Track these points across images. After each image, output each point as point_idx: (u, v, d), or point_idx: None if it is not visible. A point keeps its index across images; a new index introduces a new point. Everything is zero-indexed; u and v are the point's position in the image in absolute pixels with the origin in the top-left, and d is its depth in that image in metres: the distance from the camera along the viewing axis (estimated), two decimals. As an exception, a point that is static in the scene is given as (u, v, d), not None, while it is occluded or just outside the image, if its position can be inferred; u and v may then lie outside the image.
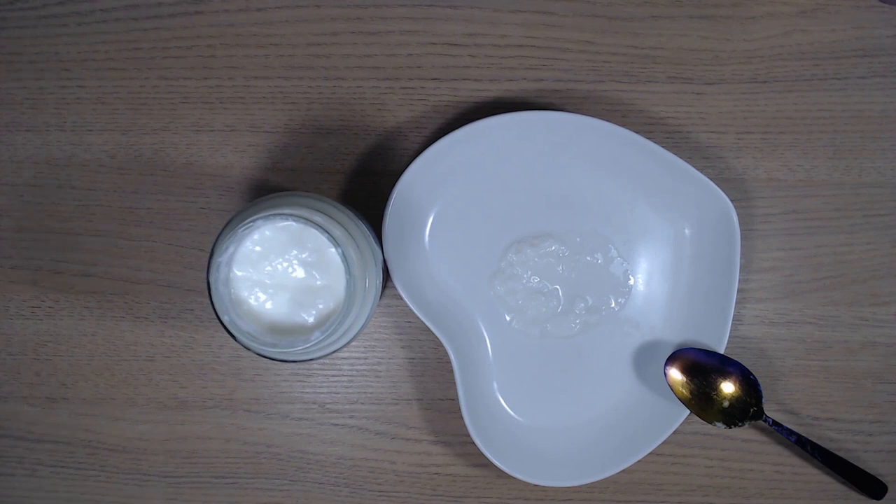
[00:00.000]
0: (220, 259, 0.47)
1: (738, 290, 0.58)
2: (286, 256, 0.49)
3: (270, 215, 0.46)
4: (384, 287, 0.56)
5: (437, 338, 0.59)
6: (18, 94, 0.60)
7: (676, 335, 0.59)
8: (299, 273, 0.49)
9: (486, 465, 0.60)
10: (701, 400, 0.57)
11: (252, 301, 0.49)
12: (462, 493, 0.61)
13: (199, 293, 0.60)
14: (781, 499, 0.60)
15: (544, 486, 0.59)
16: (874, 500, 0.59)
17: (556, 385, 0.60)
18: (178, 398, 0.61)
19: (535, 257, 0.59)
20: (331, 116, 0.60)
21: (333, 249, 0.47)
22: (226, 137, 0.60)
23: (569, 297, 0.59)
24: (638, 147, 0.56)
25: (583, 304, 0.59)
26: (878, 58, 0.59)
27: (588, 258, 0.59)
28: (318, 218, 0.47)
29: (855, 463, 0.59)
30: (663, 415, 0.58)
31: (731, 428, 0.58)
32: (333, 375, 0.61)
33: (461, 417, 0.57)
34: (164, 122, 0.60)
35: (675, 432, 0.58)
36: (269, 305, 0.49)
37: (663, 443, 0.57)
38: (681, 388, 0.57)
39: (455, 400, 0.59)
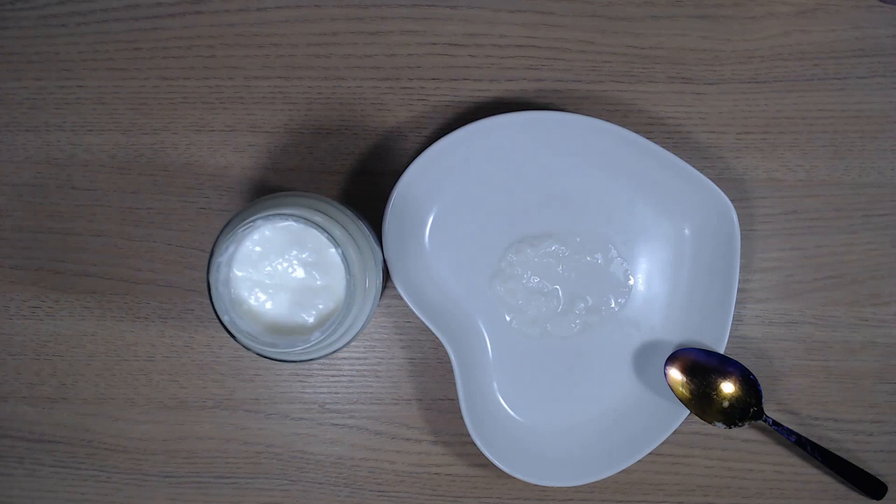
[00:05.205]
0: (220, 259, 0.47)
1: (738, 290, 0.58)
2: (286, 256, 0.49)
3: (270, 215, 0.46)
4: (384, 287, 0.56)
5: (437, 338, 0.59)
6: (18, 94, 0.60)
7: (676, 335, 0.59)
8: (299, 273, 0.49)
9: (486, 465, 0.60)
10: (701, 400, 0.57)
11: (252, 301, 0.49)
12: (462, 493, 0.61)
13: (199, 293, 0.60)
14: (781, 499, 0.60)
15: (544, 487, 0.59)
16: (874, 500, 0.59)
17: (556, 385, 0.60)
18: (178, 398, 0.61)
19: (535, 257, 0.59)
20: (331, 116, 0.60)
21: (333, 249, 0.47)
22: (226, 137, 0.60)
23: (569, 298, 0.59)
24: (638, 147, 0.56)
25: (583, 305, 0.59)
26: (878, 58, 0.59)
27: (588, 258, 0.59)
28: (318, 218, 0.47)
29: (855, 463, 0.59)
30: (663, 415, 0.58)
31: (731, 428, 0.58)
32: (333, 375, 0.61)
33: (461, 417, 0.57)
34: (164, 122, 0.60)
35: (675, 432, 0.58)
36: (269, 305, 0.49)
37: (663, 443, 0.57)
38: (681, 388, 0.57)
39: (455, 400, 0.59)
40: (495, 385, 0.60)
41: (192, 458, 0.61)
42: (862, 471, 0.59)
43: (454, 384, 0.60)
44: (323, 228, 0.46)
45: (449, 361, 0.59)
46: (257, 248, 0.49)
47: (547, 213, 0.59)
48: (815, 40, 0.59)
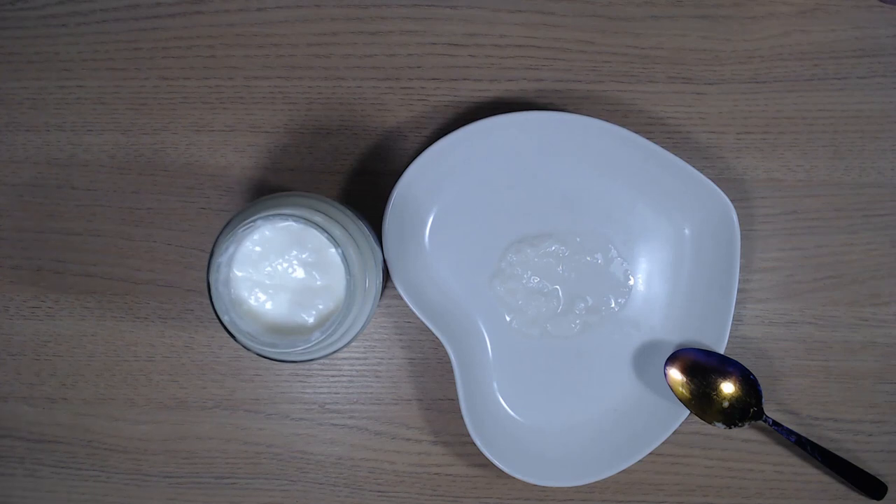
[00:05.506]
0: (220, 259, 0.47)
1: (738, 290, 0.58)
2: (286, 257, 0.49)
3: (270, 215, 0.46)
4: (384, 287, 0.56)
5: (437, 338, 0.59)
6: (18, 94, 0.60)
7: (676, 335, 0.59)
8: (299, 273, 0.49)
9: (486, 465, 0.60)
10: (701, 400, 0.57)
11: (252, 301, 0.49)
12: (462, 493, 0.61)
13: (199, 293, 0.60)
14: (781, 499, 0.60)
15: (544, 487, 0.59)
16: (874, 500, 0.59)
17: (556, 385, 0.60)
18: (178, 398, 0.61)
19: (535, 257, 0.59)
20: (331, 116, 0.60)
21: (333, 250, 0.47)
22: (226, 137, 0.60)
23: (569, 298, 0.59)
24: (638, 147, 0.56)
25: (583, 305, 0.59)
26: (878, 58, 0.59)
27: (588, 258, 0.59)
28: (318, 218, 0.47)
29: (855, 463, 0.59)
30: (663, 415, 0.58)
31: (731, 428, 0.58)
32: (333, 375, 0.61)
33: (461, 417, 0.57)
34: (164, 122, 0.60)
35: (675, 432, 0.58)
36: (269, 306, 0.49)
37: (663, 443, 0.57)
38: (681, 388, 0.57)
39: (455, 400, 0.59)
40: (495, 385, 0.60)
41: (192, 458, 0.61)
42: (862, 471, 0.59)
43: (454, 384, 0.60)
44: (323, 228, 0.46)
45: (449, 361, 0.59)
46: (257, 249, 0.49)
47: (547, 213, 0.59)
48: (815, 40, 0.59)
